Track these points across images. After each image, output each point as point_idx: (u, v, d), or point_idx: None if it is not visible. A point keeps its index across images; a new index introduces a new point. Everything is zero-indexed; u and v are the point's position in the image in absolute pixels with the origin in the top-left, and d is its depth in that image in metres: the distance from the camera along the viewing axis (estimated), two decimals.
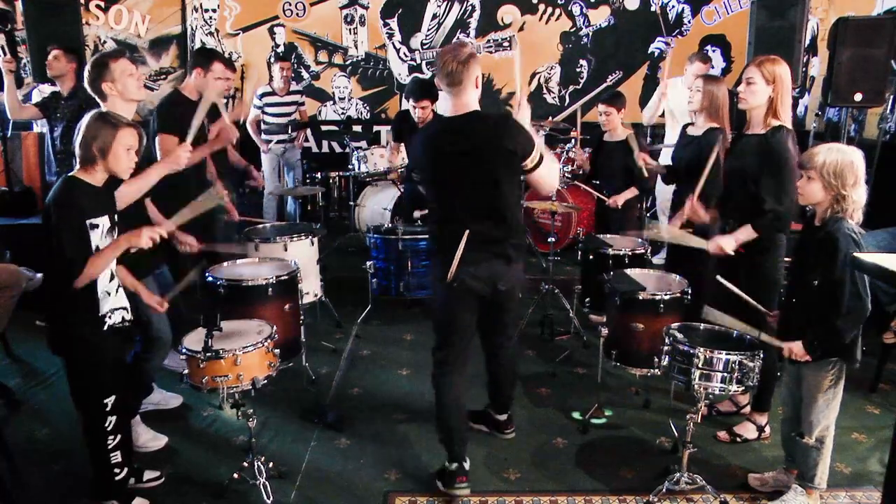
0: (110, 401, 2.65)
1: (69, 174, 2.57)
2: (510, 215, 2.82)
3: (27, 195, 5.71)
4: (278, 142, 6.20)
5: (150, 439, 3.30)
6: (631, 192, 4.43)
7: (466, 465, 2.97)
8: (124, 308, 2.76)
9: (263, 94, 6.25)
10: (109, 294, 2.67)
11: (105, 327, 2.64)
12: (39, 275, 4.77)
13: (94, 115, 2.57)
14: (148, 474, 3.02)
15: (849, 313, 2.50)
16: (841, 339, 2.54)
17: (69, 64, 4.64)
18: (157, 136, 3.59)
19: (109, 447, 2.67)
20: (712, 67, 7.09)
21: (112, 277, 2.68)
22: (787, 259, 3.13)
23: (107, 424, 2.65)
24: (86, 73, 3.09)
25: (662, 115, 5.72)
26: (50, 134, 4.80)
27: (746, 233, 3.08)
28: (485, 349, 3.20)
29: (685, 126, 3.92)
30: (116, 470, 2.70)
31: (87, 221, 2.51)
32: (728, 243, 3.10)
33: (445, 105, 2.76)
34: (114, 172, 2.59)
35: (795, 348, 2.62)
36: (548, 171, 2.80)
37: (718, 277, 2.92)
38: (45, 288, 2.66)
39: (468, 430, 3.15)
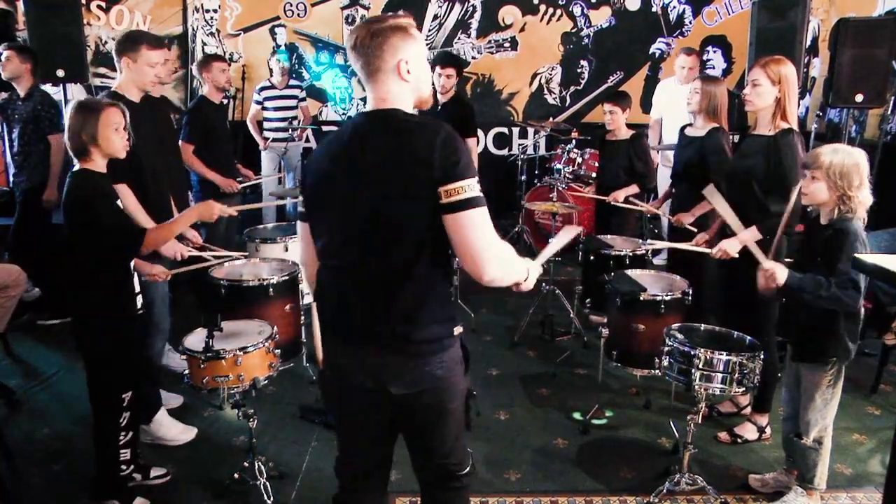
0: (128, 396, 2.69)
1: (76, 168, 2.60)
2: (416, 294, 1.78)
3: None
4: (279, 140, 6.20)
5: (180, 432, 3.34)
6: (632, 189, 4.44)
7: None
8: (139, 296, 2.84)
9: (262, 89, 6.26)
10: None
11: (136, 314, 2.73)
12: (37, 290, 4.79)
13: (74, 106, 2.59)
14: (155, 471, 3.03)
15: (840, 300, 2.47)
16: (817, 296, 2.48)
17: (23, 64, 4.60)
18: None
19: (120, 443, 2.70)
20: (708, 61, 7.13)
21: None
22: (787, 259, 3.13)
23: (122, 420, 2.68)
24: (117, 40, 3.15)
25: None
26: (7, 136, 4.75)
27: (752, 235, 3.08)
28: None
29: (683, 127, 3.92)
30: (123, 466, 2.73)
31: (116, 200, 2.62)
32: (732, 247, 3.10)
33: (367, 99, 1.86)
34: (110, 154, 2.63)
35: (778, 270, 2.57)
36: (475, 232, 1.70)
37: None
38: (67, 287, 2.67)
39: None
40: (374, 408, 1.91)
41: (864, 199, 2.54)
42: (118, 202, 2.64)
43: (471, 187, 1.70)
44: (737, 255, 3.10)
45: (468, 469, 2.06)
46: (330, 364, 1.91)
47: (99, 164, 2.61)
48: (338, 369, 1.90)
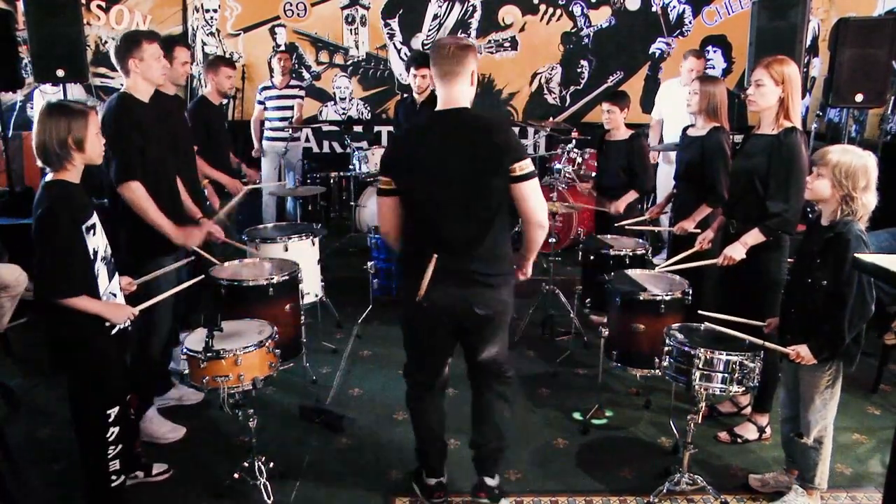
0: (113, 412, 2.59)
1: (50, 179, 2.44)
2: (493, 243, 2.52)
3: (27, 195, 5.72)
4: (279, 139, 6.21)
5: (168, 430, 3.35)
6: (630, 196, 4.43)
7: (444, 480, 2.92)
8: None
9: (264, 88, 6.27)
10: (115, 295, 2.65)
11: (114, 331, 2.58)
12: None
13: (51, 109, 2.41)
14: (157, 468, 3.03)
15: (853, 315, 2.49)
16: (844, 340, 2.54)
17: None
18: None
19: (109, 456, 2.61)
20: (708, 61, 7.12)
21: (112, 276, 2.64)
22: (789, 259, 3.13)
23: (108, 435, 2.59)
24: (115, 47, 3.14)
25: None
26: None
27: (754, 237, 3.07)
28: (472, 383, 2.84)
29: (686, 128, 3.92)
30: (113, 477, 2.64)
31: (83, 226, 2.43)
32: (737, 252, 3.10)
33: (438, 100, 2.53)
34: (91, 160, 2.50)
35: (802, 352, 2.61)
36: (537, 194, 2.47)
37: (701, 313, 2.93)
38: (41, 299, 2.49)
39: (446, 446, 2.95)
40: (452, 326, 2.62)
41: (867, 202, 2.54)
42: (86, 229, 2.45)
43: (529, 166, 2.45)
44: (743, 257, 3.10)
45: (512, 374, 2.82)
46: (429, 296, 2.50)
47: (75, 174, 2.47)
48: (436, 296, 2.51)
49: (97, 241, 2.53)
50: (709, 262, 3.27)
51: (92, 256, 2.48)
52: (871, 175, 2.53)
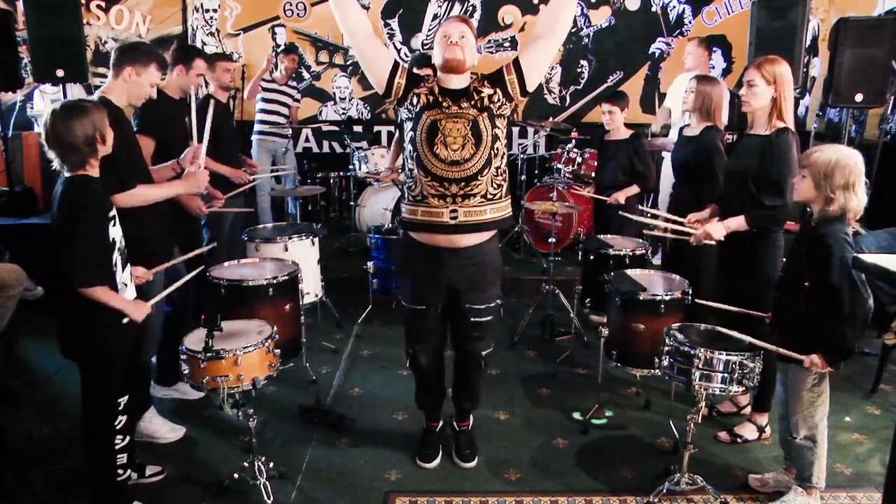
0: (124, 400, 2.63)
1: (76, 174, 2.46)
2: None
3: (27, 195, 5.72)
4: (274, 134, 6.21)
5: (168, 430, 3.35)
6: (632, 189, 4.44)
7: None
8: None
9: (263, 80, 6.26)
10: (126, 285, 2.66)
11: (124, 321, 2.61)
12: (40, 288, 4.78)
13: (67, 111, 2.42)
14: (150, 469, 3.03)
15: (854, 317, 2.47)
16: (849, 342, 2.51)
17: None
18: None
19: (117, 447, 2.64)
20: (713, 53, 7.11)
21: (125, 266, 2.65)
22: (784, 259, 3.13)
23: (117, 423, 2.62)
24: (121, 46, 3.07)
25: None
26: None
27: (737, 223, 3.06)
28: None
29: (682, 128, 3.93)
30: (120, 471, 2.67)
31: (107, 217, 2.50)
32: (717, 231, 3.08)
33: None
34: (106, 152, 2.54)
35: (816, 359, 2.57)
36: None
37: (699, 301, 2.92)
38: (56, 289, 2.54)
39: None
40: None
41: (850, 201, 2.50)
42: (110, 221, 2.52)
43: None
44: (721, 239, 3.08)
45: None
46: None
47: (96, 170, 2.52)
48: None
49: (115, 232, 2.57)
50: (685, 237, 3.26)
51: (111, 246, 2.54)
52: (852, 174, 2.49)
